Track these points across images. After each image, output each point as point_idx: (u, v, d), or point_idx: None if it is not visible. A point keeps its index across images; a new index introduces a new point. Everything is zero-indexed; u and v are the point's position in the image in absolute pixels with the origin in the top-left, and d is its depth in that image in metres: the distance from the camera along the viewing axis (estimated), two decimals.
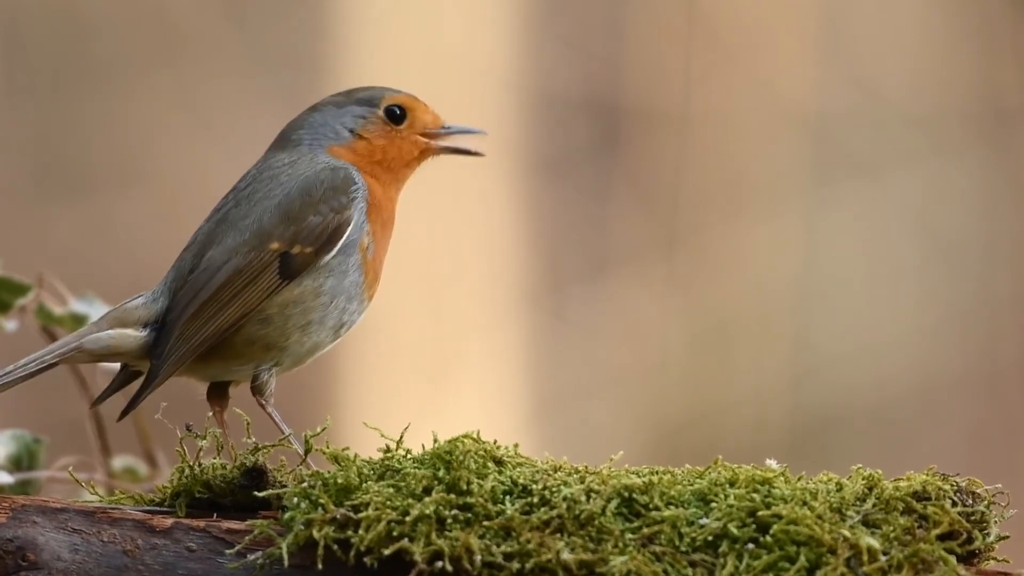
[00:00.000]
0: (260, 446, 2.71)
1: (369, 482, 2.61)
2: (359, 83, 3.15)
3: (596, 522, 2.58)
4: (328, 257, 2.85)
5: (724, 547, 2.56)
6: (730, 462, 2.67)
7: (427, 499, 2.58)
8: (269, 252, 2.84)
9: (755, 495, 2.59)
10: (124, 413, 2.88)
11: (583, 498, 2.59)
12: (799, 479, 2.63)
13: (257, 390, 2.87)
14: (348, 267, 2.88)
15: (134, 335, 2.86)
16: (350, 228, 2.87)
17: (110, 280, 5.99)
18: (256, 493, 2.66)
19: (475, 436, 2.65)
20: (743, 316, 6.61)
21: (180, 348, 2.82)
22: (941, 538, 2.58)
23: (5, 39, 6.55)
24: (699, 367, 6.59)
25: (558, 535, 2.57)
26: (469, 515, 2.58)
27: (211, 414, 2.87)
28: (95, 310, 3.36)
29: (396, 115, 2.97)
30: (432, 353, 6.43)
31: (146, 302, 2.88)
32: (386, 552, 2.56)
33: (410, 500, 2.58)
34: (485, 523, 2.58)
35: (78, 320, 3.35)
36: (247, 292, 2.82)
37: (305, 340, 2.86)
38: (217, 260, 2.85)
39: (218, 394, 2.92)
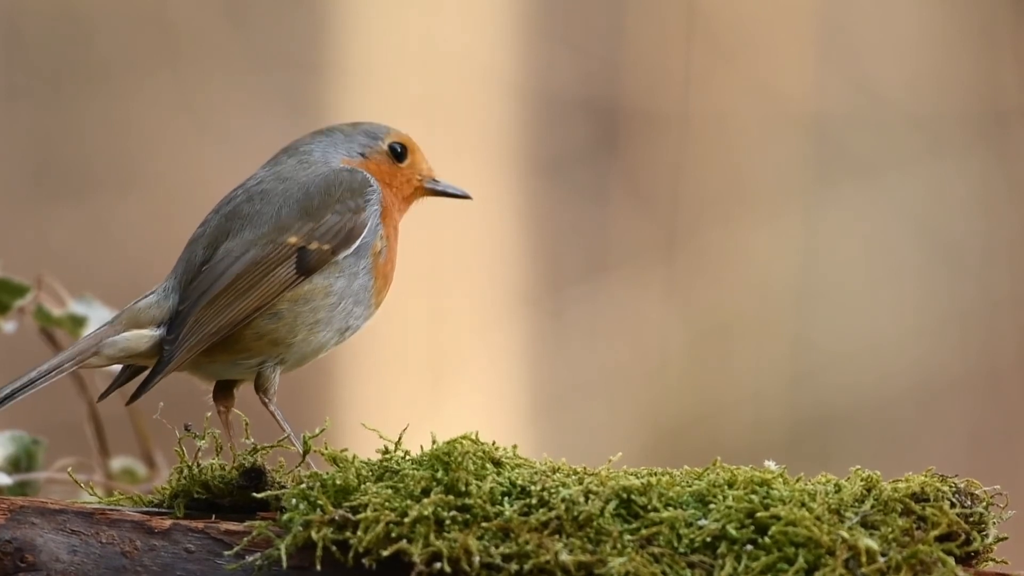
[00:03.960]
0: (259, 447, 2.71)
1: (368, 483, 2.61)
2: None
3: (595, 523, 2.57)
4: (344, 255, 2.88)
5: (723, 548, 2.56)
6: (729, 463, 2.67)
7: (425, 500, 2.58)
8: (287, 246, 2.87)
9: (753, 496, 2.59)
10: (133, 398, 2.87)
11: (582, 499, 2.59)
12: (798, 480, 2.63)
13: (261, 387, 2.89)
14: (359, 269, 2.91)
15: (150, 335, 2.87)
16: (366, 230, 2.90)
17: (109, 281, 5.99)
18: (255, 494, 2.66)
19: (474, 437, 2.65)
20: (743, 317, 6.60)
21: (194, 335, 2.83)
22: (940, 539, 2.58)
23: (5, 39, 6.54)
24: (699, 368, 6.58)
25: (557, 536, 2.57)
26: (468, 516, 2.58)
27: (210, 415, 2.87)
28: (94, 311, 3.36)
29: (398, 152, 3.05)
30: (432, 353, 6.43)
31: (158, 299, 2.89)
32: (384, 553, 2.56)
33: (408, 501, 2.58)
34: (484, 524, 2.58)
35: (77, 322, 3.34)
36: (264, 283, 2.85)
37: (312, 339, 2.88)
38: (235, 251, 2.87)
39: (224, 394, 2.94)
